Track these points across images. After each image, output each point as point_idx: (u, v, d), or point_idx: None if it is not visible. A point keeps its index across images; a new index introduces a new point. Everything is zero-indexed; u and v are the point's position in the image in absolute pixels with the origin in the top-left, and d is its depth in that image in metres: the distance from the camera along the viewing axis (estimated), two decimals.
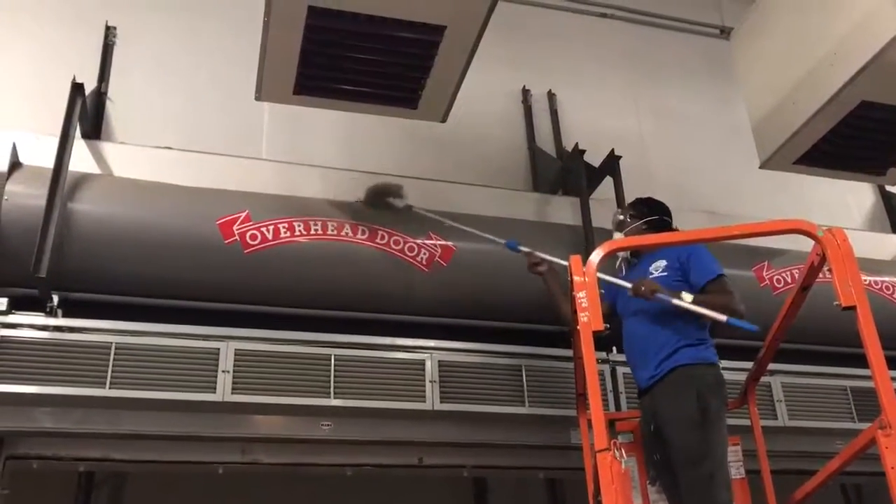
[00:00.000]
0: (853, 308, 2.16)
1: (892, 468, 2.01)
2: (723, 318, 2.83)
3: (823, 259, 2.28)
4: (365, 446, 3.78)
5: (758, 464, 3.45)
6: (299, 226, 3.78)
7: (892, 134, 4.03)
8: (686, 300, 2.91)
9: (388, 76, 3.67)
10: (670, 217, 3.62)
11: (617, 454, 2.08)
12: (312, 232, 3.80)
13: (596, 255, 2.36)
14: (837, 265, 2.18)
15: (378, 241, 3.85)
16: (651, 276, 3.23)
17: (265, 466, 3.75)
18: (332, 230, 3.83)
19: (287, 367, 3.59)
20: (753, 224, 2.66)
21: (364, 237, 3.84)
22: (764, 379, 4.01)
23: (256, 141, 4.43)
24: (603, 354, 3.94)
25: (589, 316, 2.22)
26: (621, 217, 3.64)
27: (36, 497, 4.13)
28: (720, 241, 2.78)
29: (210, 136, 4.33)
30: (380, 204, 3.96)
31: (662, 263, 3.31)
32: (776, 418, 4.07)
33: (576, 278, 2.30)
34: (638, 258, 3.51)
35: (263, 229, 3.71)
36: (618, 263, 3.55)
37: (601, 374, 3.83)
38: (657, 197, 3.71)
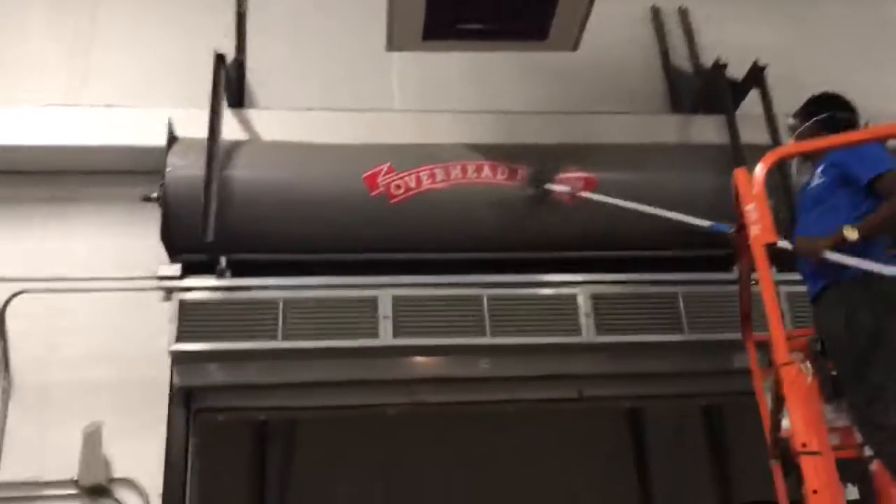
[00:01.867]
0: None
1: None
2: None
3: None
4: (524, 382, 3.84)
5: None
6: (440, 172, 3.83)
7: None
8: (851, 236, 2.66)
9: (516, 10, 3.61)
10: (851, 110, 3.28)
11: (802, 367, 2.01)
12: (453, 177, 3.83)
13: (762, 166, 2.26)
14: None
15: (519, 179, 3.84)
16: (814, 184, 3.05)
17: (430, 406, 3.87)
18: (472, 173, 3.85)
19: (442, 310, 3.68)
20: None
21: (504, 177, 3.84)
22: None
23: (388, 92, 4.47)
24: None
25: (760, 228, 2.13)
26: (791, 121, 3.37)
27: (219, 448, 4.44)
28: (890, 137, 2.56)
29: (344, 92, 4.41)
30: (536, 188, 3.82)
31: (821, 168, 3.10)
32: None
33: (742, 191, 2.21)
34: (812, 161, 3.23)
35: (406, 179, 3.78)
36: (795, 167, 3.32)
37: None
38: None
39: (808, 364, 2.07)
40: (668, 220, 3.47)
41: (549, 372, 3.81)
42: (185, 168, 3.70)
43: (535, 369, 3.80)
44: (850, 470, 3.08)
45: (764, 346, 3.43)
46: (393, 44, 3.72)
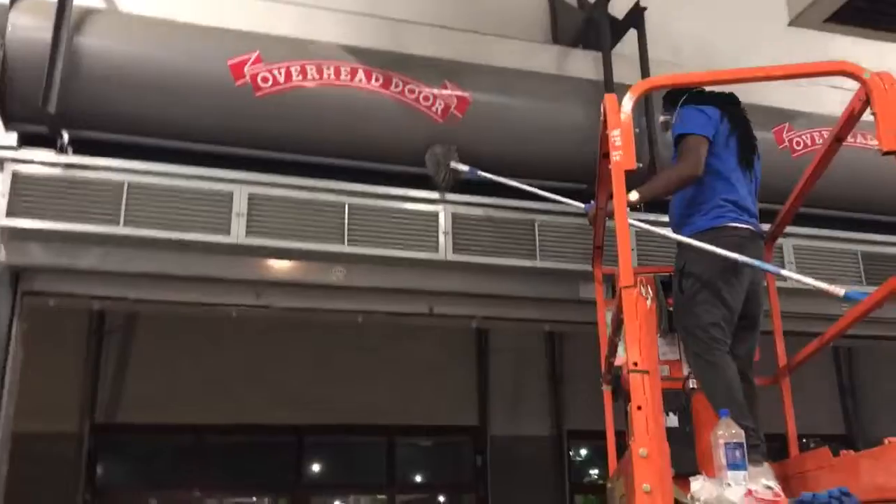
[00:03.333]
0: (894, 153, 2.11)
1: None
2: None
3: (866, 103, 2.21)
4: (377, 293, 3.82)
5: (771, 325, 3.48)
6: (311, 69, 3.67)
7: None
8: (633, 198, 2.83)
9: None
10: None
11: (643, 290, 2.08)
12: (325, 76, 3.69)
13: (630, 95, 2.28)
14: (882, 108, 2.10)
15: (392, 88, 3.74)
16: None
17: (278, 311, 3.79)
18: (346, 75, 3.71)
19: (301, 213, 3.58)
20: (795, 65, 2.54)
21: (378, 84, 3.73)
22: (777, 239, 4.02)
23: None
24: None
25: (622, 154, 2.16)
26: (663, 118, 3.43)
27: (51, 338, 4.20)
28: (760, 80, 2.66)
29: None
30: (443, 171, 3.75)
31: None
32: (784, 281, 4.08)
33: (610, 115, 2.23)
34: None
35: (275, 71, 3.60)
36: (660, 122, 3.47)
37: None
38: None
39: (650, 289, 2.14)
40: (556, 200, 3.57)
41: (404, 286, 3.80)
42: (30, 30, 3.36)
43: (389, 281, 3.79)
44: (674, 400, 3.30)
45: (611, 279, 3.57)
46: None
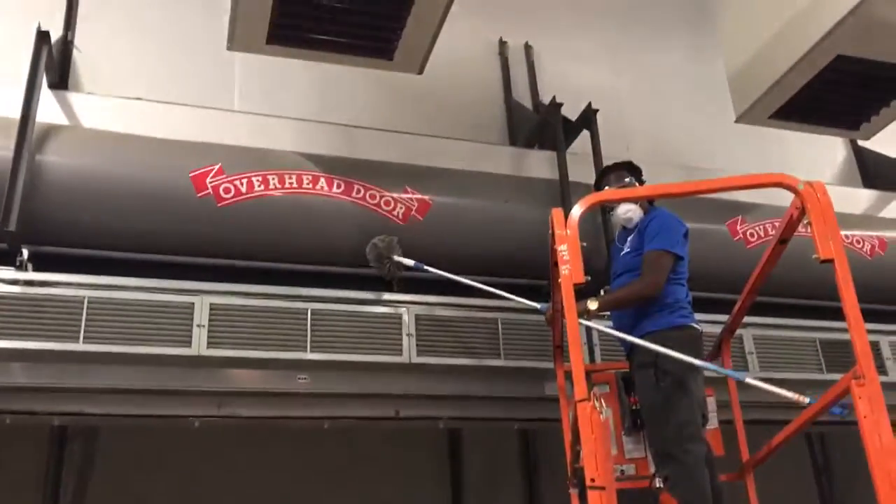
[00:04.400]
0: (831, 261, 2.19)
1: (865, 417, 2.06)
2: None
3: (803, 212, 2.30)
4: (342, 399, 3.78)
5: (731, 414, 3.52)
6: (273, 179, 3.74)
7: (867, 88, 4.06)
8: (592, 307, 2.94)
9: (364, 26, 3.61)
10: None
11: (597, 404, 2.11)
12: (287, 185, 3.75)
13: (577, 209, 2.36)
14: (817, 218, 2.20)
15: (354, 194, 3.81)
16: (625, 251, 3.30)
17: (242, 420, 3.74)
18: (307, 183, 3.79)
19: (263, 321, 3.57)
20: (734, 178, 2.66)
21: (339, 191, 3.80)
22: (737, 331, 4.08)
23: (229, 92, 4.34)
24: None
25: (570, 269, 2.22)
26: (628, 179, 3.50)
27: (10, 450, 4.10)
28: (700, 194, 2.78)
29: (181, 86, 4.24)
30: (387, 264, 3.76)
31: (632, 236, 3.35)
32: (747, 370, 4.14)
33: (557, 231, 2.30)
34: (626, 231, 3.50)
35: (237, 182, 3.66)
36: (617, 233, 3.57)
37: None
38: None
39: (603, 402, 2.17)
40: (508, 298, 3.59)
41: (368, 390, 3.78)
42: None
43: (354, 387, 3.75)
44: (642, 499, 3.29)
45: (569, 377, 3.59)
46: (234, 43, 3.60)
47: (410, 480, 6.06)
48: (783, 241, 2.63)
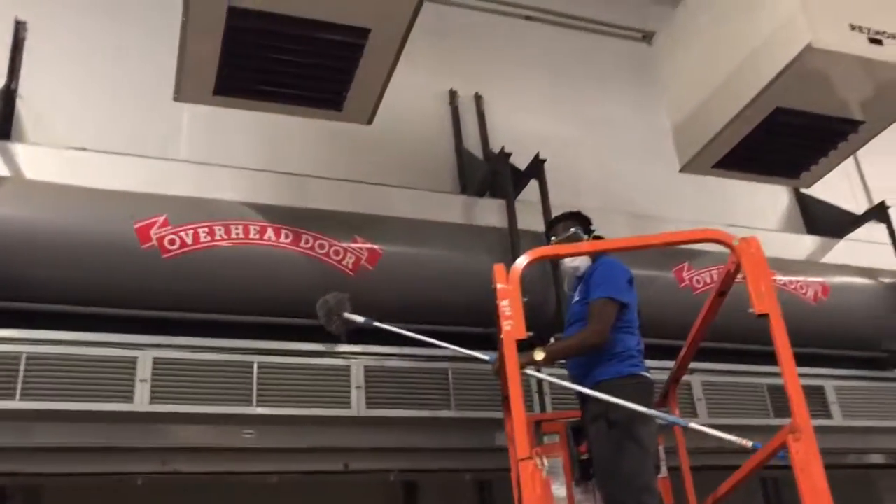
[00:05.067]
0: (766, 315, 2.23)
1: (802, 471, 2.08)
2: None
3: (738, 267, 2.34)
4: (289, 454, 3.71)
5: (678, 461, 3.53)
6: (220, 230, 3.70)
7: (805, 138, 4.18)
8: (538, 357, 2.96)
9: (312, 78, 3.63)
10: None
11: (538, 462, 2.10)
12: (234, 236, 3.72)
13: (519, 263, 2.37)
14: (751, 274, 2.24)
15: (302, 244, 3.79)
16: (576, 300, 3.32)
17: (187, 476, 3.65)
18: (255, 234, 3.76)
19: (208, 375, 3.51)
20: (672, 234, 2.72)
21: (288, 241, 3.78)
22: (685, 378, 4.11)
23: (175, 142, 4.31)
24: None
25: (512, 324, 2.23)
26: (573, 230, 3.51)
27: None
28: (636, 249, 2.82)
29: (127, 137, 4.20)
30: (336, 321, 3.62)
31: (581, 285, 3.38)
32: (696, 416, 4.16)
33: (499, 286, 2.30)
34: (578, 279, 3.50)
35: (182, 234, 3.62)
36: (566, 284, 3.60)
37: (526, 377, 3.84)
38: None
39: (545, 459, 2.16)
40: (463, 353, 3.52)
41: (317, 444, 3.72)
42: None
43: (301, 441, 3.70)
44: None
45: None
46: (181, 94, 3.59)
47: None
48: (722, 293, 2.68)
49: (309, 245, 3.81)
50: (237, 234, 3.72)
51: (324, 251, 3.83)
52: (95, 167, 3.85)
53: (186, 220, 3.65)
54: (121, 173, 3.87)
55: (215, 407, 3.46)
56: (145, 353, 3.44)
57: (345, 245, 3.88)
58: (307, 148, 4.60)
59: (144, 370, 3.40)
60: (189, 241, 3.62)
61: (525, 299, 2.32)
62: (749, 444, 2.55)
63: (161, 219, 3.61)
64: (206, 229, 3.67)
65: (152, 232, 3.58)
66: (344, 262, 3.85)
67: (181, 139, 4.32)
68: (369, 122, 3.86)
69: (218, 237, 3.68)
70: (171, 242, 3.59)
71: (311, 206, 4.07)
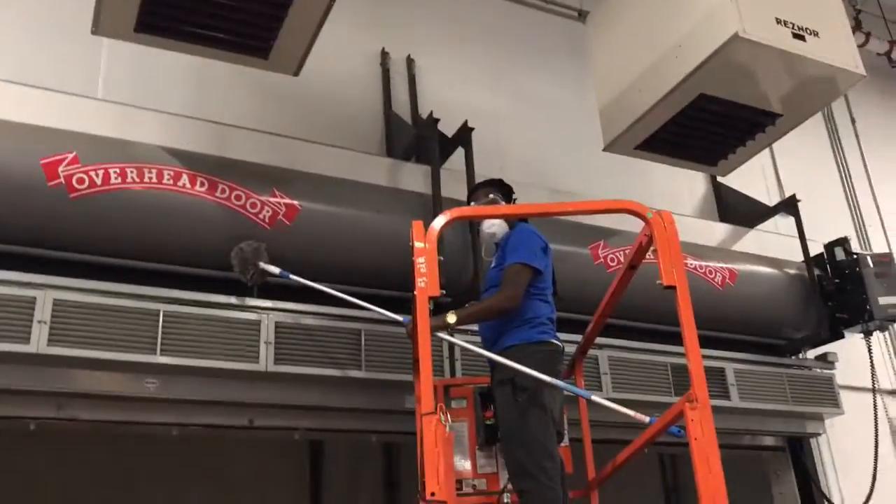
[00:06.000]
0: (673, 288, 2.28)
1: (696, 439, 2.14)
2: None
3: (651, 240, 2.39)
4: (193, 406, 3.65)
5: (581, 433, 3.61)
6: (132, 172, 3.57)
7: (725, 127, 4.28)
8: (451, 320, 2.99)
9: (240, 22, 3.51)
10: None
11: (442, 417, 2.10)
12: (146, 180, 3.60)
13: (437, 223, 2.36)
14: (662, 246, 2.29)
15: (218, 194, 3.69)
16: (492, 267, 3.34)
17: (83, 423, 3.54)
18: (168, 179, 3.64)
19: (111, 321, 3.39)
20: (587, 202, 2.76)
21: (203, 189, 3.67)
22: (593, 352, 4.20)
23: (92, 79, 4.12)
24: None
25: (426, 282, 2.22)
26: (492, 196, 3.58)
27: None
28: (554, 216, 2.85)
29: (42, 70, 4.00)
30: (251, 271, 3.62)
31: (498, 253, 3.41)
32: (601, 390, 4.26)
33: (416, 244, 2.29)
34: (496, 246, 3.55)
35: (92, 173, 3.48)
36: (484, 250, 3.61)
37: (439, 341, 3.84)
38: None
39: (450, 416, 2.17)
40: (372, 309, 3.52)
41: (221, 398, 3.66)
42: None
43: (206, 393, 3.63)
44: None
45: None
46: (99, 28, 3.42)
47: (268, 493, 5.92)
48: (632, 266, 2.73)
49: (225, 195, 3.71)
50: (150, 178, 3.60)
51: (240, 203, 3.74)
52: (5, 99, 3.65)
53: (97, 160, 3.51)
54: (32, 108, 3.67)
55: (117, 353, 3.35)
56: (45, 294, 3.30)
57: (263, 198, 3.80)
58: (232, 97, 4.48)
59: (44, 311, 3.26)
60: (99, 181, 3.48)
61: (441, 258, 2.32)
62: (646, 418, 2.62)
63: (70, 156, 3.45)
64: (118, 170, 3.53)
65: (60, 169, 3.43)
66: (261, 216, 3.77)
67: (99, 77, 4.14)
68: (296, 73, 3.77)
69: (129, 180, 3.55)
70: (80, 181, 3.44)
71: (231, 156, 3.96)
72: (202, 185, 3.67)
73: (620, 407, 2.73)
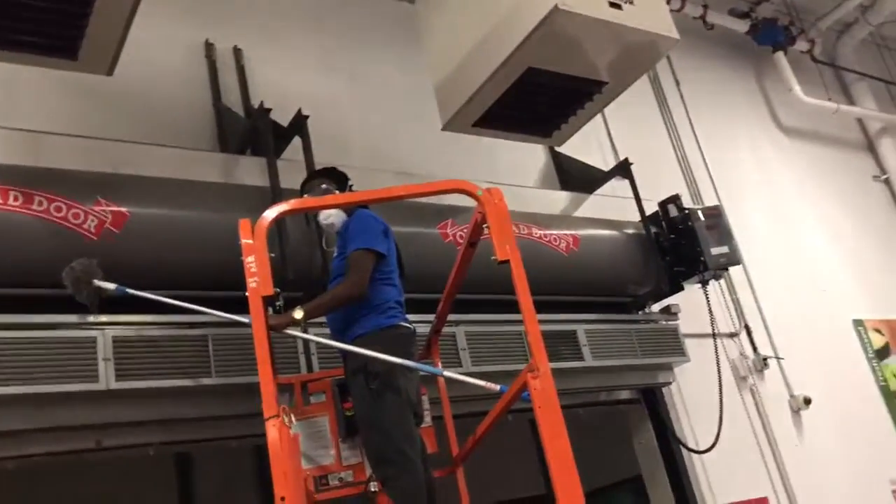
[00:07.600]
0: (507, 262, 2.31)
1: (540, 408, 2.19)
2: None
3: (484, 217, 2.42)
4: (30, 435, 3.40)
5: (442, 410, 3.64)
6: None
7: (556, 98, 4.40)
8: (297, 316, 2.95)
9: (42, 22, 3.28)
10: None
11: (286, 419, 2.05)
12: None
13: (264, 218, 2.28)
14: (494, 222, 2.32)
15: (35, 207, 3.43)
16: (334, 256, 3.31)
17: None
18: None
19: None
20: (418, 185, 2.75)
21: (17, 203, 3.41)
22: (449, 329, 4.24)
23: None
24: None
25: (258, 281, 2.14)
26: (325, 186, 3.54)
27: None
28: (386, 201, 2.84)
29: None
30: (87, 291, 3.37)
31: (339, 244, 3.37)
32: (461, 365, 4.30)
33: (245, 241, 2.21)
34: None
35: None
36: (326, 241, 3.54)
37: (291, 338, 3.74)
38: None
39: (292, 417, 2.12)
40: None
41: (62, 423, 3.43)
42: None
43: (45, 420, 3.39)
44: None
45: (289, 389, 3.52)
46: None
47: None
48: (472, 243, 2.75)
49: (43, 208, 3.45)
50: None
51: (61, 214, 3.49)
52: None
53: None
54: None
55: None
56: None
57: (86, 208, 3.56)
58: (45, 103, 4.18)
59: None
60: None
61: (272, 255, 2.25)
62: (497, 387, 2.67)
63: None
64: None
65: None
66: (85, 226, 3.53)
67: None
68: (109, 73, 3.56)
69: None
70: None
71: (46, 165, 3.69)
72: (16, 199, 3.41)
73: (471, 379, 2.76)
